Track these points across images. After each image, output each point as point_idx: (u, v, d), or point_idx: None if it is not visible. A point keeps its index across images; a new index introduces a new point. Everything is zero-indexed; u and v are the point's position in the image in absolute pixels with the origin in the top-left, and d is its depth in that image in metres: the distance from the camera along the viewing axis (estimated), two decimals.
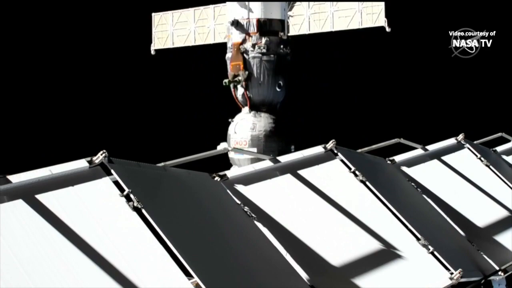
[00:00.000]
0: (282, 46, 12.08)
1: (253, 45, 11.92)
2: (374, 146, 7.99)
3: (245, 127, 11.95)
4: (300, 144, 11.79)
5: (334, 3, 12.50)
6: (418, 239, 6.29)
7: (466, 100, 17.22)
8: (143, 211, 4.61)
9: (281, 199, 6.02)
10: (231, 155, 12.00)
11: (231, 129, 12.14)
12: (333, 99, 17.61)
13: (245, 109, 12.06)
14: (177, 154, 6.00)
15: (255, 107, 12.00)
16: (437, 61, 16.41)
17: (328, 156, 6.76)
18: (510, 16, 15.67)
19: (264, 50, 11.89)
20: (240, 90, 12.00)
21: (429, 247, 6.23)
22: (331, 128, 16.61)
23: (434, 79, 17.78)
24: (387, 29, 11.81)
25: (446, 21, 14.47)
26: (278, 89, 12.04)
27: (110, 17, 17.71)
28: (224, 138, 12.25)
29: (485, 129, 10.32)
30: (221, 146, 12.19)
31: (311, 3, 12.77)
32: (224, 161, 11.46)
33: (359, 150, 7.60)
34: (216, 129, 12.75)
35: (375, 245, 6.09)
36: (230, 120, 12.21)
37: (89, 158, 4.73)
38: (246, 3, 11.92)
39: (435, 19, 16.14)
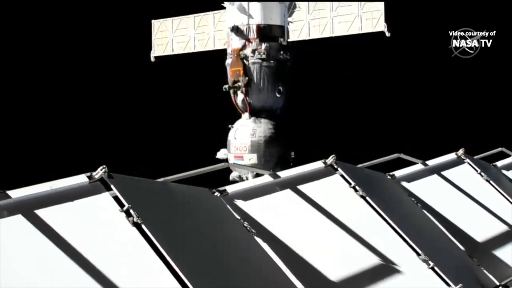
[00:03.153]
0: (282, 52, 12.12)
1: (253, 51, 11.96)
2: (374, 161, 7.98)
3: (245, 133, 11.95)
4: (300, 153, 11.82)
5: (334, 8, 12.47)
6: (418, 254, 6.28)
7: (466, 115, 17.22)
8: (143, 226, 4.60)
9: (281, 214, 6.01)
10: (231, 160, 11.99)
11: (231, 135, 12.14)
12: (332, 112, 17.61)
13: (245, 115, 12.07)
14: (177, 166, 6.00)
15: (255, 113, 12.00)
16: (437, 72, 16.45)
17: (328, 171, 6.76)
18: (510, 16, 15.67)
19: (264, 56, 11.93)
20: (240, 96, 12.01)
21: (429, 262, 6.22)
22: (331, 142, 16.60)
23: (434, 92, 17.80)
24: (387, 34, 11.80)
25: (446, 22, 14.46)
26: (278, 95, 12.07)
27: (109, 25, 17.75)
28: (223, 145, 12.25)
29: (486, 144, 10.32)
30: (221, 152, 12.21)
31: (311, 8, 12.75)
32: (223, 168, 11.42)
33: (359, 165, 7.60)
34: (216, 137, 12.75)
35: (375, 260, 6.07)
36: (230, 126, 12.21)
37: (89, 174, 4.73)
38: (246, 9, 11.94)
39: (435, 20, 16.12)
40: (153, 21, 14.71)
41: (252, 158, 11.83)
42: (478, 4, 15.83)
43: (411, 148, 8.85)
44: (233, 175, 11.90)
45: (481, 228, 7.83)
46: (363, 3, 12.09)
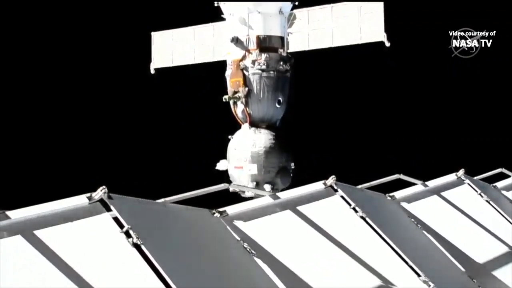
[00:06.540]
0: (281, 63, 12.11)
1: (253, 62, 11.96)
2: (374, 182, 7.98)
3: (245, 144, 11.93)
4: (300, 163, 11.81)
5: (334, 18, 12.46)
6: (418, 275, 6.26)
7: (466, 135, 17.23)
8: (143, 247, 4.59)
9: (281, 235, 6.00)
10: (231, 171, 11.97)
11: (231, 146, 12.13)
12: (332, 123, 17.58)
13: (245, 126, 12.05)
14: (178, 179, 6.00)
15: (255, 124, 11.99)
16: (436, 94, 16.46)
17: (328, 192, 6.75)
18: (510, 16, 15.66)
19: (263, 67, 11.93)
20: (240, 107, 12.00)
21: (430, 283, 6.20)
22: (330, 152, 16.55)
23: (433, 111, 17.80)
24: (387, 44, 11.79)
25: (446, 22, 14.42)
26: (277, 106, 12.06)
27: (109, 38, 17.78)
28: (223, 156, 12.23)
29: (485, 165, 10.32)
30: (221, 163, 12.19)
31: (311, 19, 12.75)
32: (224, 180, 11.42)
33: (359, 186, 7.59)
34: (216, 148, 12.71)
35: (376, 282, 6.06)
36: (230, 137, 12.20)
37: (88, 194, 4.72)
38: (246, 20, 11.98)
39: (435, 21, 16.08)
40: (152, 33, 14.69)
41: (252, 169, 11.80)
42: (478, 4, 15.83)
43: (411, 168, 8.83)
44: (233, 186, 11.92)
45: (482, 249, 7.82)
46: (362, 13, 12.10)
